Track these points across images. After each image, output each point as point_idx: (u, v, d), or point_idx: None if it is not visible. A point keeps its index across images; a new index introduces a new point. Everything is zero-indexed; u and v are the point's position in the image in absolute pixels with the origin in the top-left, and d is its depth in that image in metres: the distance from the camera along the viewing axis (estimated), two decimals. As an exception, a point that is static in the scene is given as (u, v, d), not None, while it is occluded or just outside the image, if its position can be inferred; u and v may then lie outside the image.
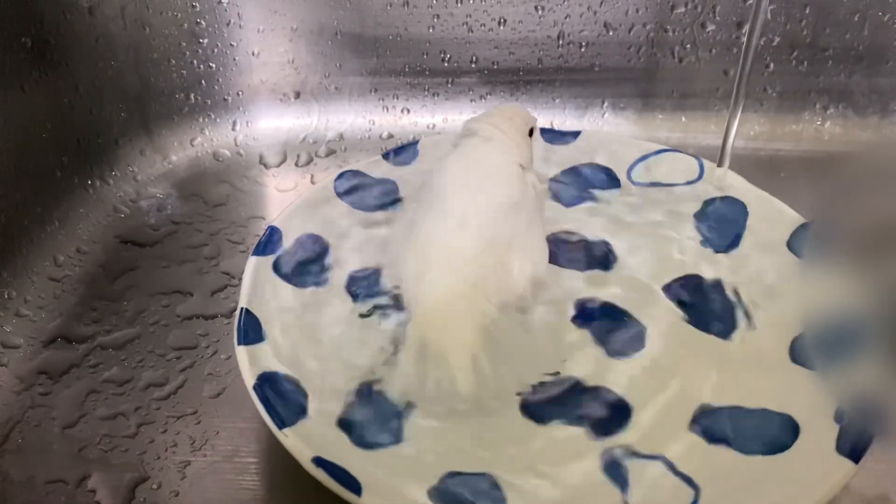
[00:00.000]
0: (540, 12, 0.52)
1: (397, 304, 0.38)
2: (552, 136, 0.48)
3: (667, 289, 0.39)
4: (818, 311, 0.36)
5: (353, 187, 0.44)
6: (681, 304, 0.39)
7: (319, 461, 0.29)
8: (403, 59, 0.55)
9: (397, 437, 0.32)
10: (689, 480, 0.30)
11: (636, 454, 0.32)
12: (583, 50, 0.54)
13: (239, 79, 0.55)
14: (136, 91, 0.52)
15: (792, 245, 0.40)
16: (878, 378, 0.32)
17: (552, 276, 0.40)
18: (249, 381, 0.32)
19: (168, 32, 0.52)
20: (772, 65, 0.53)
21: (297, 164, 0.53)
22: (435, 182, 0.38)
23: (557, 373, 0.34)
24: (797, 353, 0.35)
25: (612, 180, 0.45)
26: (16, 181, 0.43)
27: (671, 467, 0.31)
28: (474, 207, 0.36)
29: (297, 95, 0.56)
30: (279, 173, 0.53)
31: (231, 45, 0.54)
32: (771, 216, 0.41)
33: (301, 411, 0.32)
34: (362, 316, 0.37)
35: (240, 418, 0.36)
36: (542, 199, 0.40)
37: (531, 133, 0.40)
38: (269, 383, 0.32)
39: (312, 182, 0.52)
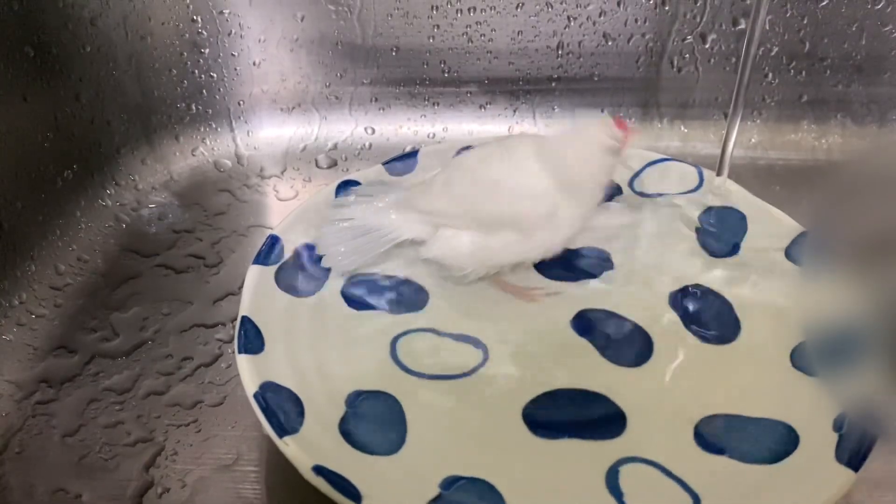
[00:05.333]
0: (539, 22, 0.53)
1: (393, 307, 0.39)
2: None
3: (667, 297, 0.39)
4: (817, 319, 0.36)
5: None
6: (681, 312, 0.39)
7: (319, 469, 0.29)
8: (403, 69, 0.55)
9: (397, 446, 0.32)
10: (688, 489, 0.30)
11: (635, 463, 0.32)
12: (582, 60, 0.54)
13: (240, 88, 0.55)
14: (138, 100, 0.52)
15: (791, 253, 0.40)
16: (877, 386, 0.32)
17: (552, 285, 0.40)
18: (250, 389, 0.32)
19: (169, 42, 0.52)
20: (770, 74, 0.53)
21: (297, 173, 0.53)
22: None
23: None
24: (796, 361, 0.35)
25: (612, 189, 0.45)
26: (17, 190, 0.43)
27: (671, 476, 0.31)
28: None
29: (298, 105, 0.56)
30: (280, 182, 0.53)
31: (232, 55, 0.54)
32: (770, 225, 0.41)
33: (301, 419, 0.32)
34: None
35: (240, 427, 0.36)
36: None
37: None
38: (269, 391, 0.32)
39: (313, 191, 0.52)
